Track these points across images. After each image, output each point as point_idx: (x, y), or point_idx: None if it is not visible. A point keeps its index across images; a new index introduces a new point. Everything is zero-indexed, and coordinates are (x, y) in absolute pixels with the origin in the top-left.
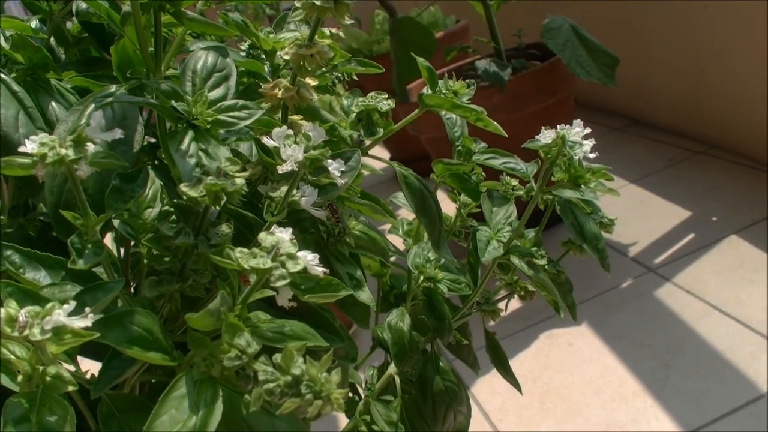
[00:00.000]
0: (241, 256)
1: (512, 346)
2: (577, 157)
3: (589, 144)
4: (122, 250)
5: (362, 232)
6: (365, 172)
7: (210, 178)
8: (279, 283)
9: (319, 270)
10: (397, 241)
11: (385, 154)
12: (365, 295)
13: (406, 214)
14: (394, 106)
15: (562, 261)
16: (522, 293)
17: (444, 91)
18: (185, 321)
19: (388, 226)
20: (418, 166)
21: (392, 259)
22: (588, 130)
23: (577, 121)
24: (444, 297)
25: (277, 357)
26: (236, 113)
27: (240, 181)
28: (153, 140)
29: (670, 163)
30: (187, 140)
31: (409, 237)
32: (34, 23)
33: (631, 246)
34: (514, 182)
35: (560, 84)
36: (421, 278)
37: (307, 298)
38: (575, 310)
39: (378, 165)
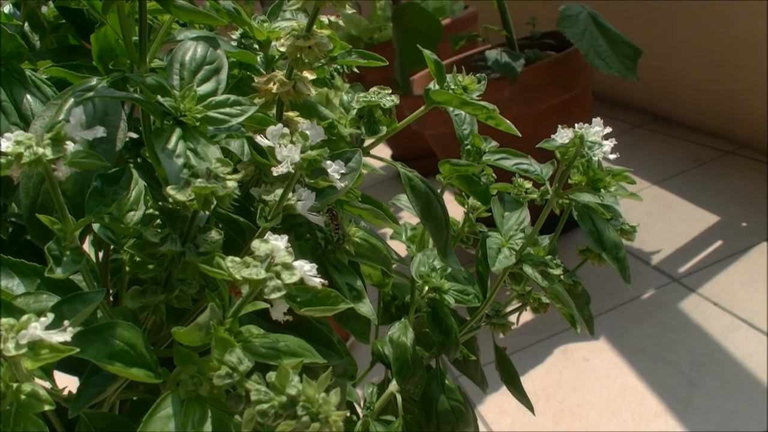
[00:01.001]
0: (232, 266)
1: (524, 361)
2: (597, 159)
3: (609, 144)
4: (101, 256)
5: (363, 239)
6: (365, 172)
7: (199, 180)
8: (273, 296)
9: (317, 281)
10: (399, 247)
11: (386, 151)
12: (366, 308)
13: (409, 218)
14: (398, 102)
15: (579, 271)
16: (535, 305)
17: (452, 87)
18: (171, 335)
19: (389, 231)
20: (421, 165)
21: (394, 267)
22: (608, 129)
23: (597, 120)
24: (450, 309)
25: (271, 375)
26: (227, 109)
27: (231, 183)
28: (135, 136)
29: (696, 164)
30: (174, 139)
31: (413, 243)
32: (6, 8)
33: (654, 254)
34: (528, 185)
35: (577, 77)
36: (426, 288)
37: (304, 312)
38: (592, 323)
39: (379, 164)
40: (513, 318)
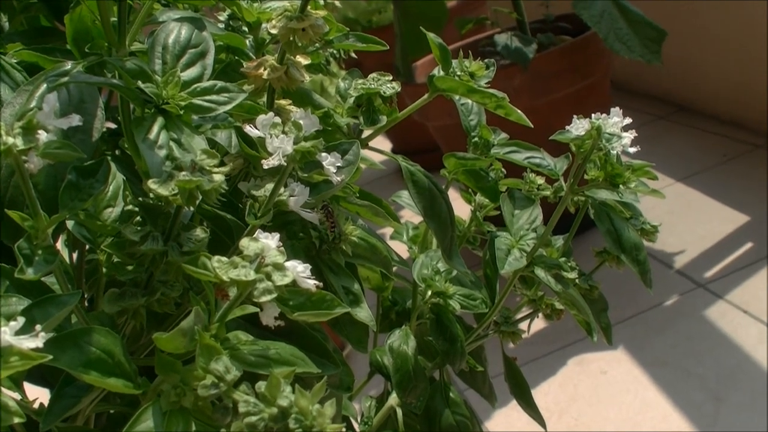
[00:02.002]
0: (219, 266)
1: (535, 373)
2: (615, 152)
3: (629, 136)
4: (75, 257)
5: (361, 238)
6: (363, 166)
7: (183, 173)
8: (264, 299)
9: (311, 283)
10: (400, 248)
11: (386, 145)
12: (364, 313)
13: (411, 216)
14: (399, 89)
15: (596, 274)
16: (548, 312)
17: (458, 73)
18: (151, 342)
19: (389, 231)
20: (424, 159)
21: (394, 270)
22: (628, 120)
23: (615, 109)
24: (456, 315)
25: (261, 385)
26: (214, 97)
27: (218, 177)
28: (113, 126)
29: (724, 159)
30: (155, 128)
31: (415, 244)
32: None
33: (677, 256)
34: (540, 180)
35: (595, 63)
36: (429, 293)
37: (297, 317)
38: (610, 331)
39: (378, 158)
40: (524, 326)
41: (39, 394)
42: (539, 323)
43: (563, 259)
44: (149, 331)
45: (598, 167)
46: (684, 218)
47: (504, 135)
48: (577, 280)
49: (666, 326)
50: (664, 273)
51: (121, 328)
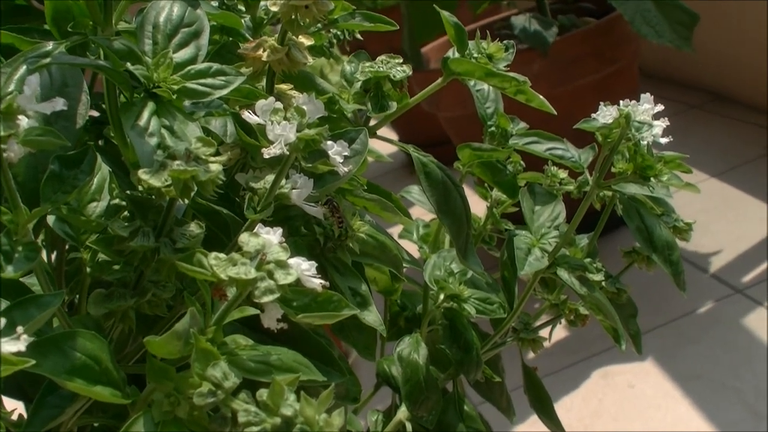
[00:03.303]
0: (216, 264)
1: (557, 386)
2: (646, 142)
3: (660, 125)
4: (53, 257)
5: (369, 234)
6: (369, 159)
7: (177, 162)
8: (265, 299)
9: (317, 282)
10: (410, 247)
11: (392, 137)
12: (372, 317)
13: (421, 213)
14: (410, 73)
15: (625, 276)
16: (571, 317)
17: (475, 55)
18: (140, 348)
19: (397, 230)
20: (433, 153)
21: (404, 270)
22: (659, 107)
23: (646, 95)
24: (471, 321)
25: (263, 393)
26: (210, 80)
27: (215, 167)
28: (95, 114)
29: (765, 152)
30: (146, 114)
31: (427, 243)
32: None
33: (712, 259)
34: (563, 174)
35: (621, 48)
36: (442, 296)
37: (301, 319)
38: (639, 340)
39: (386, 150)
40: (545, 333)
41: (16, 404)
42: (562, 330)
43: (588, 259)
44: (139, 335)
45: (626, 159)
46: (720, 217)
47: (523, 124)
48: (603, 283)
49: (700, 335)
50: (698, 277)
51: (109, 332)
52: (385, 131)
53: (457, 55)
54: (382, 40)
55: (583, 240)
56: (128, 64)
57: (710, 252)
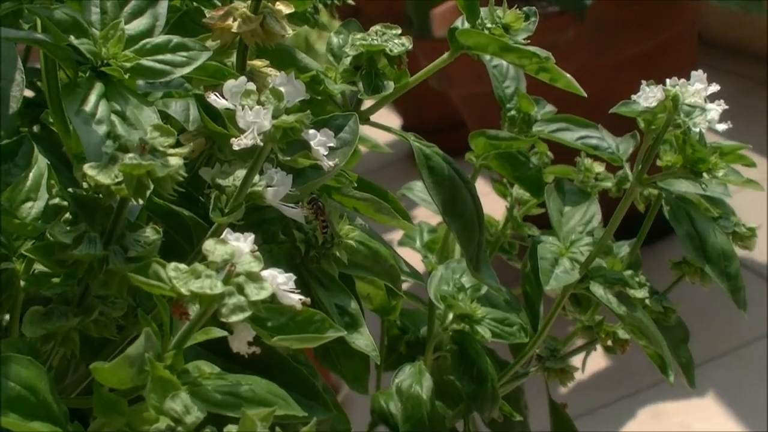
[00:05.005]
0: (176, 276)
1: (594, 427)
2: (698, 130)
3: (716, 109)
4: None
5: (360, 242)
6: (363, 149)
7: (129, 155)
8: (234, 318)
9: (296, 299)
10: (412, 257)
11: (393, 120)
12: (363, 340)
13: (427, 215)
14: (410, 47)
15: (674, 292)
16: (608, 343)
17: (489, 25)
18: (87, 375)
19: (397, 235)
20: (444, 139)
21: (404, 285)
22: (715, 88)
23: (697, 73)
24: (485, 347)
25: (231, 430)
26: (169, 56)
27: (176, 160)
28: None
29: None
30: (93, 97)
31: (432, 252)
32: None
33: None
34: (598, 168)
35: (674, 11)
36: (450, 316)
37: (278, 342)
38: (692, 371)
39: (383, 137)
40: (577, 361)
41: None
42: (600, 359)
43: (629, 272)
44: (83, 361)
45: (674, 150)
46: None
47: (550, 107)
48: (647, 301)
49: None
50: (765, 293)
51: (47, 358)
52: (383, 114)
53: (466, 25)
54: (380, 2)
55: (623, 248)
56: (72, 38)
57: None
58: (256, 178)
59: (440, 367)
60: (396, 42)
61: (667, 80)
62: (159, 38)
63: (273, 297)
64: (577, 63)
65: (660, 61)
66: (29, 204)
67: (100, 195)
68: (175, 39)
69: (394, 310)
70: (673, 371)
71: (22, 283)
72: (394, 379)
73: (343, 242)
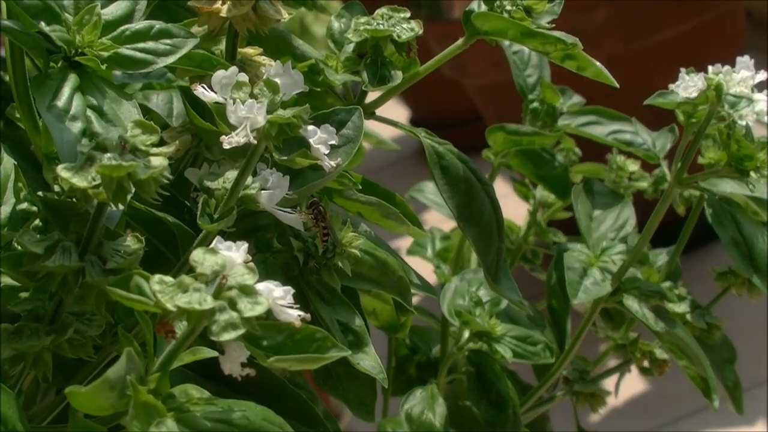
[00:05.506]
0: (161, 290)
1: None
2: (744, 123)
3: (764, 99)
4: None
5: (365, 251)
6: (367, 145)
7: (108, 155)
8: (226, 336)
9: (294, 315)
10: (423, 267)
11: (401, 113)
12: (369, 361)
13: (439, 219)
14: (420, 32)
15: (719, 306)
16: (645, 363)
17: (508, 7)
18: (61, 399)
19: (406, 243)
20: (458, 135)
21: (415, 299)
22: (764, 75)
23: (744, 59)
24: (506, 368)
25: None
26: (151, 44)
27: (159, 161)
28: None
29: None
30: (66, 90)
31: (445, 261)
32: None
33: None
34: (633, 166)
35: None
36: (466, 334)
37: (274, 363)
38: (740, 395)
39: (390, 133)
40: (609, 385)
41: None
42: (635, 382)
43: (668, 283)
44: (57, 385)
45: (718, 146)
46: None
47: (578, 98)
48: (688, 316)
49: None
50: None
51: (16, 381)
52: (390, 107)
53: (483, 7)
54: None
55: (661, 257)
56: (42, 24)
57: None
58: (249, 179)
59: (455, 392)
60: (404, 26)
61: (710, 67)
62: (139, 24)
63: (269, 313)
64: (607, 49)
65: (701, 45)
66: None
67: (75, 199)
68: (158, 25)
69: (403, 327)
70: (718, 396)
71: None
72: (404, 405)
73: (346, 251)
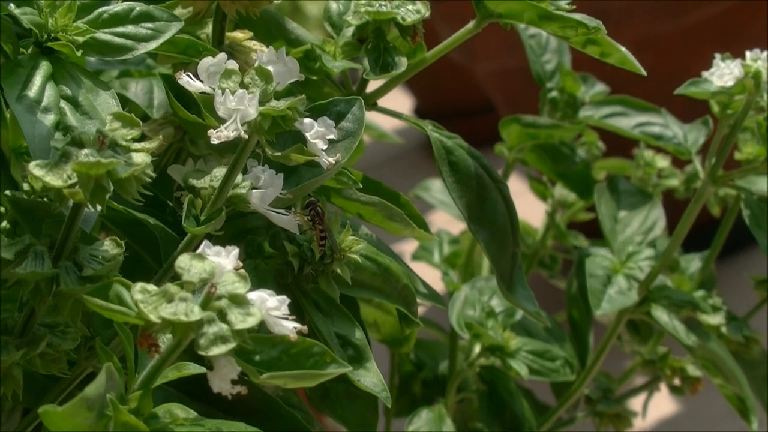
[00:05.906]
0: (143, 299)
1: None
2: None
3: None
4: None
5: (366, 256)
6: (367, 138)
7: (85, 151)
8: (215, 351)
9: (289, 327)
10: (429, 274)
11: (405, 102)
12: (370, 378)
13: (447, 220)
14: (427, 14)
15: (756, 318)
16: (675, 381)
17: None
18: (33, 419)
19: (410, 247)
20: (468, 127)
21: (420, 310)
22: None
23: None
24: (521, 386)
25: None
26: (131, 28)
27: (142, 157)
28: None
29: None
30: (38, 79)
31: (453, 267)
32: None
33: None
34: (662, 162)
35: None
36: (477, 348)
37: (267, 380)
38: None
39: (393, 125)
40: (636, 405)
41: None
42: (665, 401)
43: (701, 292)
44: (26, 404)
45: (756, 140)
46: None
47: (601, 87)
48: (723, 329)
49: None
50: None
51: None
52: (392, 96)
53: None
54: None
55: (693, 263)
56: (12, 6)
57: None
58: (239, 178)
59: (465, 412)
60: (409, 8)
61: (747, 53)
62: (118, 6)
63: (262, 325)
64: (633, 33)
65: (738, 29)
66: None
67: (48, 199)
68: (138, 7)
69: (408, 340)
70: (756, 417)
71: None
72: (408, 427)
73: (345, 257)
